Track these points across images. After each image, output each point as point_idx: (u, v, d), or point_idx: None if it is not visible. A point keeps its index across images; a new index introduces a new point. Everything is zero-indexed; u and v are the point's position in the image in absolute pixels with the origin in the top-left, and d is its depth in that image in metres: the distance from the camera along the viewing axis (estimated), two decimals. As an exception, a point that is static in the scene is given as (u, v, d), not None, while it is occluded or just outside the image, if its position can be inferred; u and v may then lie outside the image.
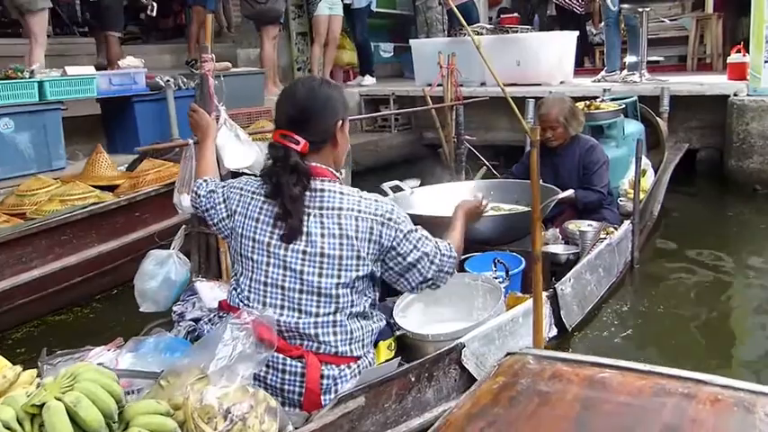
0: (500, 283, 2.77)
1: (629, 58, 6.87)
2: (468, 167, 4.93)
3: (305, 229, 1.99)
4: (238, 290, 2.14)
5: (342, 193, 2.02)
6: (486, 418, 1.11)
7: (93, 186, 4.35)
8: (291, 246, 2.01)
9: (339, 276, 1.99)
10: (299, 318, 2.02)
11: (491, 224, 3.15)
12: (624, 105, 4.81)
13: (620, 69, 6.97)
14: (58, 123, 4.93)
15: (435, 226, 3.17)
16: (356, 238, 1.98)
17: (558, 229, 3.92)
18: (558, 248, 3.75)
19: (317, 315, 2.01)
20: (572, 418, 1.10)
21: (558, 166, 4.13)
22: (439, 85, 5.23)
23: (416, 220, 3.24)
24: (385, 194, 3.64)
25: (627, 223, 3.80)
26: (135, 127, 5.40)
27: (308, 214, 2.00)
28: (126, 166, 4.87)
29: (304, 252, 2.00)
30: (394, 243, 2.03)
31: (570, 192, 3.29)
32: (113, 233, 3.83)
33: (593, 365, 1.24)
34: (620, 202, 4.54)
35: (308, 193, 2.01)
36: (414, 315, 2.75)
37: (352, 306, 2.05)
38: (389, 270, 2.09)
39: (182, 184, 2.90)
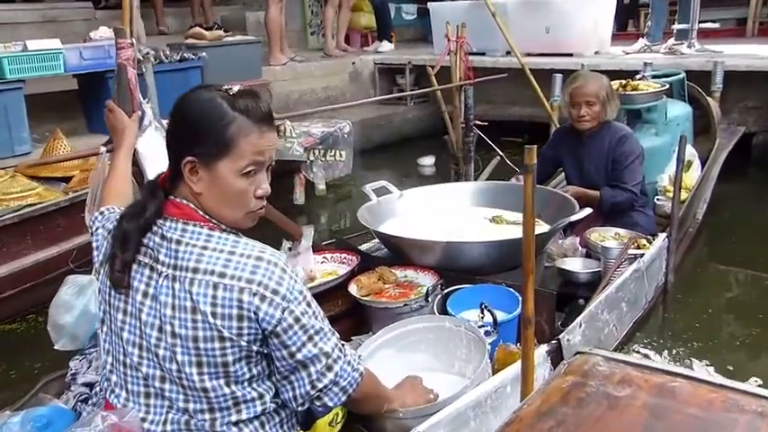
0: (487, 335, 2.15)
1: (678, 25, 5.99)
2: (478, 158, 4.26)
3: (160, 297, 1.43)
4: (103, 368, 1.61)
5: (204, 247, 1.42)
6: (555, 417, 1.11)
7: (45, 178, 3.85)
8: (145, 318, 1.45)
9: (200, 364, 1.42)
10: (167, 413, 1.47)
11: (483, 250, 2.51)
12: (668, 85, 4.04)
13: (663, 38, 6.11)
14: (20, 104, 4.41)
15: (420, 250, 2.59)
16: (212, 314, 1.38)
17: (578, 238, 3.27)
18: (576, 264, 3.11)
19: (188, 413, 1.46)
20: (640, 426, 1.08)
21: (583, 158, 3.46)
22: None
23: (397, 242, 2.70)
24: (368, 198, 3.01)
25: (662, 238, 3.10)
26: (110, 106, 4.83)
27: (160, 274, 1.44)
28: (94, 151, 4.35)
29: (159, 329, 1.44)
30: (278, 329, 1.41)
31: (588, 210, 2.61)
32: (54, 238, 3.32)
33: (663, 373, 1.21)
34: (658, 202, 3.84)
35: (164, 244, 1.45)
36: (380, 364, 2.17)
37: (236, 405, 1.46)
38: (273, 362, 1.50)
39: (92, 202, 2.34)
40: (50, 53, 4.45)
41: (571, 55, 6.13)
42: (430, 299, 2.34)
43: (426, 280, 2.51)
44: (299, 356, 1.43)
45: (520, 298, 2.31)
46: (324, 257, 2.80)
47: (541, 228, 2.69)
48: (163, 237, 1.44)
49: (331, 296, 2.55)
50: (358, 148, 6.21)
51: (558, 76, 4.79)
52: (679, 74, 4.33)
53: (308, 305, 1.45)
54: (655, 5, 6.26)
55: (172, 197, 1.47)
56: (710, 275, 3.55)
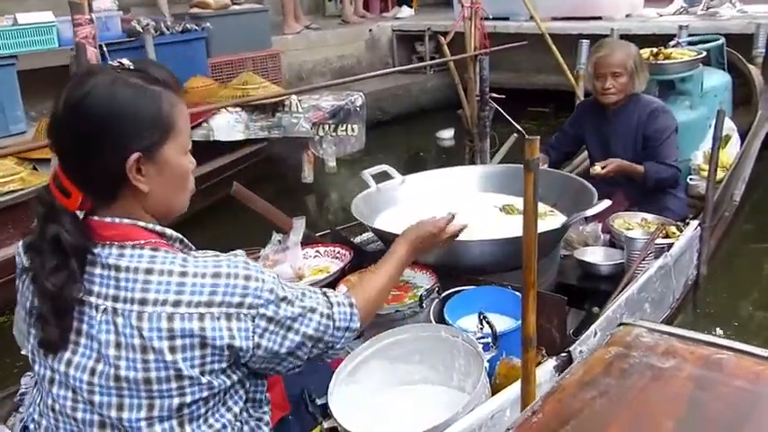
0: (486, 349, 1.89)
1: (717, -17, 5.53)
2: (495, 134, 3.95)
3: (99, 336, 1.19)
4: (29, 406, 1.39)
5: (149, 270, 1.18)
6: (597, 387, 1.10)
7: (37, 160, 3.67)
8: (78, 360, 1.22)
9: (151, 408, 1.20)
10: None
11: (487, 248, 2.24)
12: (704, 52, 3.66)
13: None
14: (12, 81, 4.22)
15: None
16: (170, 349, 1.16)
17: (600, 224, 2.98)
18: (598, 254, 2.83)
19: None
20: (685, 397, 1.08)
21: (608, 135, 3.15)
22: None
23: (391, 239, 2.36)
24: (366, 185, 2.73)
25: (693, 226, 2.78)
26: (109, 81, 4.62)
27: (97, 308, 1.19)
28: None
29: (92, 371, 1.20)
30: (257, 339, 1.23)
31: (607, 202, 2.31)
32: (38, 227, 3.13)
33: (709, 345, 1.18)
34: (691, 182, 3.51)
35: (96, 272, 1.20)
36: (369, 379, 1.95)
37: None
38: (257, 366, 1.32)
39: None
40: (43, 26, 4.24)
41: (600, 18, 5.71)
42: (425, 304, 2.08)
43: (424, 280, 2.25)
44: (287, 345, 1.29)
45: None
46: (317, 251, 2.57)
47: (552, 222, 2.41)
48: (94, 264, 1.21)
49: (320, 296, 2.30)
50: (373, 120, 5.93)
51: (585, 43, 4.42)
52: (717, 39, 3.93)
53: (282, 300, 1.27)
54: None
55: (96, 218, 1.23)
56: (749, 266, 3.22)
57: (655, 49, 3.60)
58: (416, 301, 2.10)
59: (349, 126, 4.88)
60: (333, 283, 2.30)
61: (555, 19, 5.86)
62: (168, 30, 4.77)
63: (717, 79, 3.79)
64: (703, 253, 2.82)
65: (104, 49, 4.51)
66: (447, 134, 5.95)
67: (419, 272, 2.29)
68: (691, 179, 3.53)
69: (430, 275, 2.25)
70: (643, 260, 2.61)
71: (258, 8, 5.66)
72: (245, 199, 2.49)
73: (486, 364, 1.82)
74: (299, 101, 4.44)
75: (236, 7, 5.45)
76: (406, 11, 7.57)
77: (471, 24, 3.91)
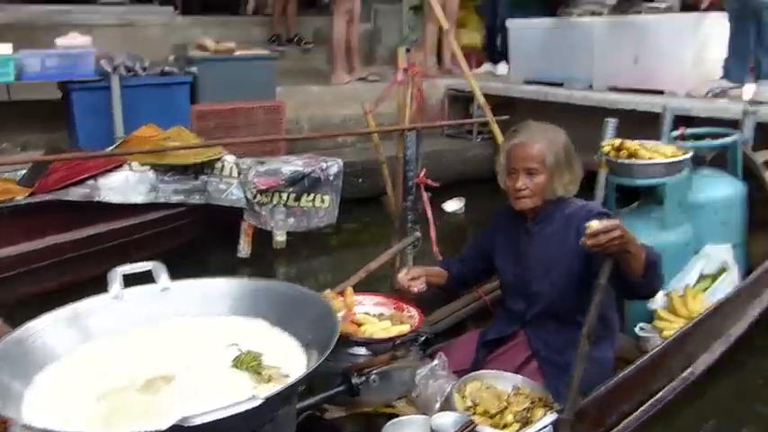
0: None
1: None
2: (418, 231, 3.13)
3: None
4: None
5: None
6: None
7: None
8: None
9: None
10: None
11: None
12: (692, 151, 2.59)
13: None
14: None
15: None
16: None
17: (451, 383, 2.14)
18: None
19: None
20: None
21: (525, 254, 2.31)
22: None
23: None
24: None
25: (544, 423, 1.81)
26: (73, 121, 4.43)
27: None
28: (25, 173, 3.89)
29: None
30: None
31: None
32: None
33: None
34: (641, 333, 2.48)
35: None
36: None
37: None
38: None
39: None
40: (-1, 59, 4.11)
41: (662, 93, 4.59)
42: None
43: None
44: None
45: None
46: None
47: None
48: None
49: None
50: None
51: (612, 122, 3.45)
52: (730, 136, 2.81)
53: None
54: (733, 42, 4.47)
55: None
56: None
57: (617, 142, 2.60)
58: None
59: (318, 196, 4.24)
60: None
61: (612, 89, 4.86)
62: (143, 71, 4.48)
63: (723, 189, 2.73)
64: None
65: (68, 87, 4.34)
66: (454, 205, 5.17)
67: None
68: (641, 328, 2.47)
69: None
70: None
71: (263, 55, 5.22)
72: None
73: None
74: (239, 164, 3.87)
75: (243, 52, 5.05)
76: (502, 67, 6.73)
77: (408, 92, 3.16)
